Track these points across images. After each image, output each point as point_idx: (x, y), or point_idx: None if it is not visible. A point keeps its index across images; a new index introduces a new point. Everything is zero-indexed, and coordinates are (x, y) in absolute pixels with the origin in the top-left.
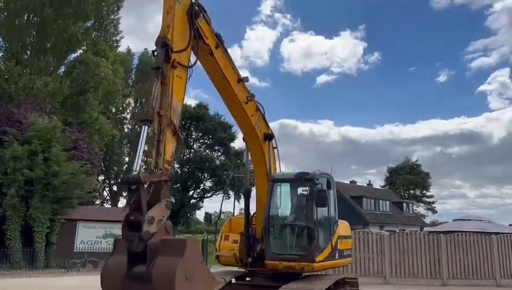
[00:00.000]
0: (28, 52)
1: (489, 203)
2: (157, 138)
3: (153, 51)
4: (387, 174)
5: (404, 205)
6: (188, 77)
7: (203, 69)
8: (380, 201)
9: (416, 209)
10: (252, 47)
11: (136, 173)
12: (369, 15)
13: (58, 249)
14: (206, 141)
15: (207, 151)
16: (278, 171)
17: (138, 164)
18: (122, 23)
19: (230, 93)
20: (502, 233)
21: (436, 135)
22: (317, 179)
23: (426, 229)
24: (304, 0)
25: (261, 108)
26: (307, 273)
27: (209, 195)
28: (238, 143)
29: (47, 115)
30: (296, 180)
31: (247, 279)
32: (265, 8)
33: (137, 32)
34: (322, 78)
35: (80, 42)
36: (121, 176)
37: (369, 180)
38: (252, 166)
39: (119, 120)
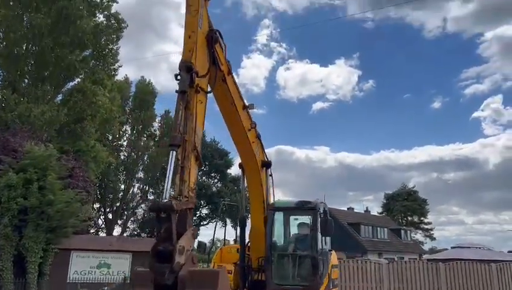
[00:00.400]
0: (26, 80)
1: (487, 230)
2: (181, 164)
3: (176, 75)
4: (385, 201)
5: (402, 232)
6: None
7: (213, 95)
8: (378, 228)
9: (414, 236)
10: (248, 75)
11: (166, 200)
12: (363, 43)
13: (51, 280)
14: (202, 167)
15: (203, 178)
16: (272, 199)
17: (168, 191)
18: (119, 52)
19: (237, 120)
20: (502, 261)
21: (432, 161)
22: (319, 208)
23: (425, 256)
24: (299, 29)
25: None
26: None
27: (205, 223)
28: (235, 170)
29: (43, 143)
30: (297, 208)
31: None
32: (262, 37)
33: (135, 60)
34: (318, 105)
35: (77, 71)
36: (149, 203)
37: (367, 207)
38: (247, 193)
39: (116, 147)
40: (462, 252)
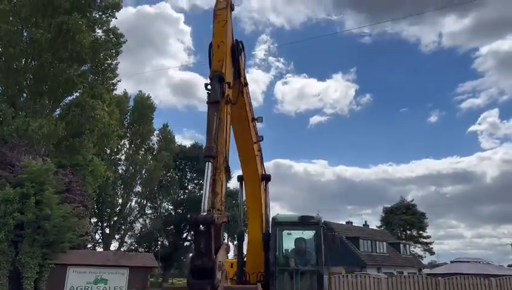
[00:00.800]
0: (24, 95)
1: (486, 243)
2: (212, 176)
3: (206, 84)
4: (383, 215)
5: (401, 246)
6: None
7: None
8: (377, 242)
9: (413, 250)
10: None
11: (205, 213)
12: (360, 58)
13: None
14: (200, 181)
15: (201, 192)
16: (268, 212)
17: (206, 204)
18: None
19: (246, 132)
20: (501, 275)
21: (429, 175)
22: (322, 223)
23: (424, 271)
24: (296, 44)
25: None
26: None
27: None
28: (233, 184)
29: (41, 158)
30: (301, 223)
31: None
32: (260, 52)
33: (134, 75)
34: (315, 119)
35: (76, 85)
36: (188, 215)
37: (365, 221)
38: (245, 207)
39: (113, 161)
40: (462, 266)
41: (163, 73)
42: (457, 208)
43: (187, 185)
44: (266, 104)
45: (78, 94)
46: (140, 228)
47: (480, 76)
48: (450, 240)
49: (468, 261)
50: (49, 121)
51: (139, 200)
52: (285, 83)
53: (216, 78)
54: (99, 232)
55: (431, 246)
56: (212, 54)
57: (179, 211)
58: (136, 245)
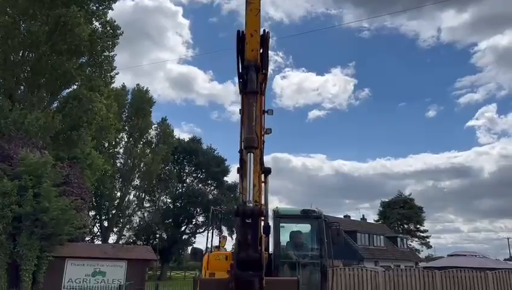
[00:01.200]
0: (22, 87)
1: (483, 237)
2: (255, 167)
3: (240, 74)
4: (381, 209)
5: (399, 239)
6: None
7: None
8: (374, 236)
9: (410, 244)
10: None
11: (252, 204)
12: (359, 53)
13: (45, 288)
14: (199, 175)
15: (200, 185)
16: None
17: (251, 195)
18: (116, 60)
19: (258, 122)
20: (498, 269)
21: (427, 169)
22: (324, 217)
23: (421, 264)
24: (295, 38)
25: None
26: None
27: (201, 231)
28: (232, 177)
29: (38, 150)
30: (303, 217)
31: None
32: None
33: (131, 68)
34: (314, 113)
35: (74, 78)
36: (235, 207)
37: (363, 215)
38: None
39: (112, 155)
40: (459, 260)
41: (162, 66)
42: (455, 203)
43: (185, 179)
44: (265, 98)
45: (75, 87)
46: (139, 221)
47: (478, 71)
48: (447, 234)
49: (465, 255)
50: (45, 113)
51: (137, 193)
52: (284, 77)
53: (253, 68)
54: (97, 225)
55: (428, 240)
56: (246, 43)
57: (177, 204)
58: (134, 238)
